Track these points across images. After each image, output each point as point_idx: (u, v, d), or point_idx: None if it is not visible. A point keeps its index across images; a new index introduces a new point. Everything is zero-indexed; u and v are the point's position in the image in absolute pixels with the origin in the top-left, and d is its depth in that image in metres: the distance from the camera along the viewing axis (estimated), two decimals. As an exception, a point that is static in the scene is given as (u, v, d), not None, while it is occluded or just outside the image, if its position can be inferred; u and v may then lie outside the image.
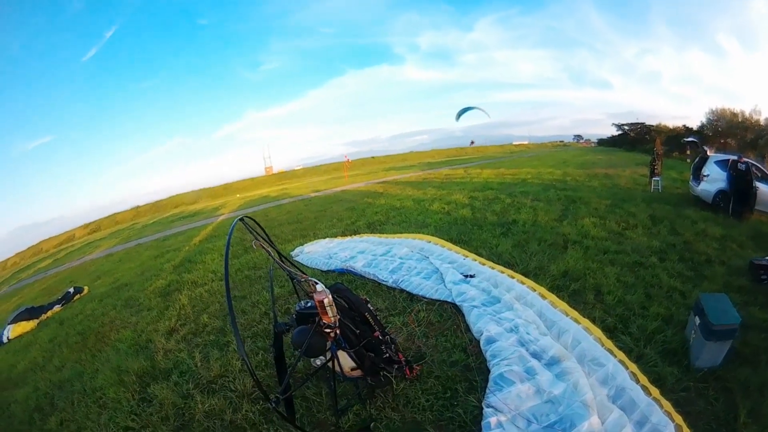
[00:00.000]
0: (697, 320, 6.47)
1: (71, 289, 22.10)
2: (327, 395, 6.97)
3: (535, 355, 6.62)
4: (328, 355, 5.95)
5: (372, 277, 11.17)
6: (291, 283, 7.97)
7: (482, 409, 5.74)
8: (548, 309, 7.87)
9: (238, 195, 67.15)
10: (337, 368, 6.04)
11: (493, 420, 5.38)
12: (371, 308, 6.58)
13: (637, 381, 5.81)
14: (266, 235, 6.14)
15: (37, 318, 19.90)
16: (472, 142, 78.00)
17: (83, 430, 8.78)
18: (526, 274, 9.80)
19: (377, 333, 6.44)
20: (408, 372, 6.74)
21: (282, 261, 6.37)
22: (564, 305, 8.00)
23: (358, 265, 12.02)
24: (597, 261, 10.47)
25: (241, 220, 5.74)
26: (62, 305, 20.63)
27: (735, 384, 6.04)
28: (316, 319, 5.67)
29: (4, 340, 19.36)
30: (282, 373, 5.99)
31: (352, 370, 6.35)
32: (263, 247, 5.84)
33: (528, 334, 7.12)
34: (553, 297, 8.36)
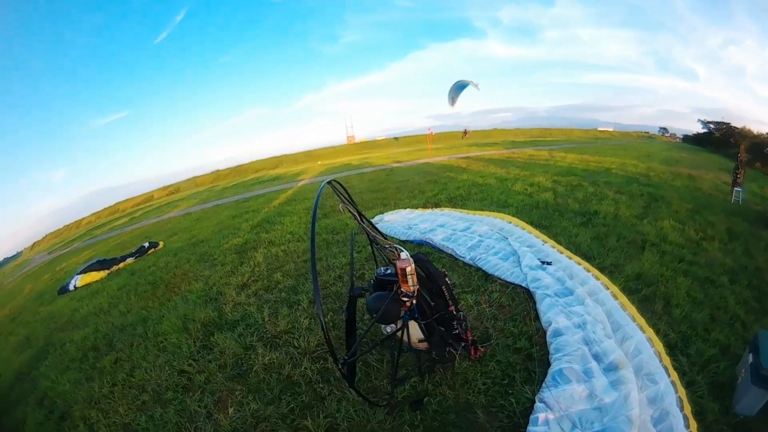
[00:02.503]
0: (750, 358, 5.87)
1: (146, 244, 23.06)
2: (388, 363, 6.92)
3: (596, 357, 6.34)
4: (400, 323, 5.86)
5: (450, 252, 11.04)
6: (371, 249, 7.92)
7: (534, 402, 5.59)
8: (618, 311, 7.49)
9: (319, 162, 68.01)
10: (405, 338, 5.94)
11: (541, 416, 5.29)
12: (448, 282, 6.39)
13: (682, 408, 5.46)
14: (351, 200, 6.02)
15: (108, 269, 20.77)
16: (465, 132, 75.61)
17: (137, 369, 9.18)
18: (601, 270, 9.38)
19: (452, 308, 6.26)
20: (473, 352, 6.54)
21: (367, 226, 6.28)
22: (633, 310, 7.59)
23: (437, 238, 11.93)
24: (671, 269, 9.86)
25: (329, 183, 5.64)
26: (135, 258, 21.50)
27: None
28: (395, 286, 5.59)
29: (71, 288, 20.21)
30: (351, 335, 6.01)
31: (420, 341, 6.22)
32: (350, 211, 5.79)
33: (594, 333, 6.81)
34: (624, 299, 7.93)
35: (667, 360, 6.27)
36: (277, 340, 8.54)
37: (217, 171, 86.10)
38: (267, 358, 7.91)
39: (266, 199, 30.09)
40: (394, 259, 5.59)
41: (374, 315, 5.58)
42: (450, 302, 6.25)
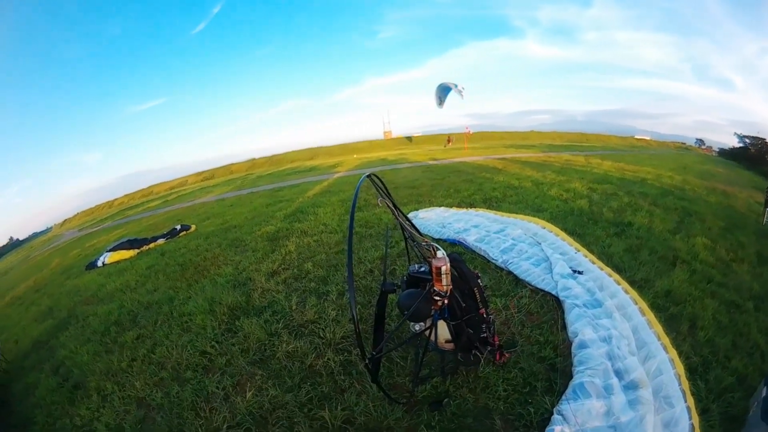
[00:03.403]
0: (764, 392, 5.58)
1: (178, 226, 23.47)
2: (411, 361, 6.90)
3: (618, 374, 6.21)
4: (429, 322, 5.80)
5: (482, 253, 10.96)
6: (405, 245, 7.90)
7: (552, 414, 5.51)
8: (644, 328, 7.32)
9: (355, 155, 68.10)
10: (432, 337, 5.90)
11: (557, 429, 5.18)
12: (481, 284, 6.28)
13: (694, 436, 5.35)
14: (389, 194, 6.00)
15: (138, 248, 21.21)
16: (449, 140, 74.16)
17: (158, 347, 9.33)
18: (631, 283, 9.14)
19: (482, 310, 6.15)
20: (498, 357, 6.47)
21: (405, 222, 6.25)
22: (659, 328, 7.38)
23: (471, 239, 11.84)
24: (700, 289, 9.61)
25: (369, 176, 5.61)
26: (166, 239, 21.86)
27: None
28: (428, 285, 5.53)
29: (99, 264, 20.69)
30: (379, 330, 5.95)
31: (446, 342, 6.16)
32: (387, 206, 5.76)
33: (618, 348, 6.65)
34: (651, 316, 7.73)
35: (686, 384, 6.11)
36: (303, 329, 8.57)
37: (253, 159, 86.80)
38: (291, 346, 7.94)
39: (301, 190, 30.27)
40: (429, 257, 5.52)
41: (405, 312, 5.56)
42: (481, 305, 6.15)
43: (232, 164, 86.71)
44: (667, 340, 7.01)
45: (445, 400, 6.03)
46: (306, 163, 68.33)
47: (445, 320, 5.96)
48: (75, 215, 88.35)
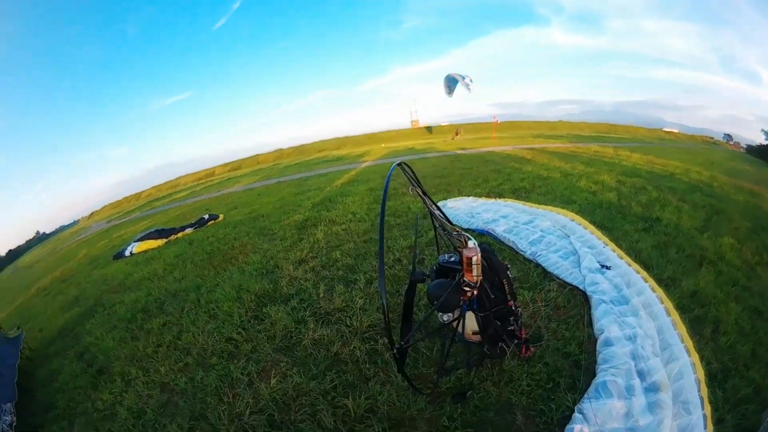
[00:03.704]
0: None
1: (206, 216, 23.72)
2: (437, 351, 6.84)
3: (641, 374, 6.14)
4: (457, 313, 5.77)
5: (511, 244, 10.92)
6: (434, 235, 7.78)
7: (573, 411, 5.46)
8: (669, 328, 7.23)
9: (383, 144, 67.55)
10: (459, 328, 5.87)
11: (577, 428, 5.16)
12: (510, 276, 6.22)
13: (707, 446, 5.24)
14: (419, 182, 5.91)
15: (166, 238, 21.52)
16: (457, 132, 72.79)
17: (184, 333, 9.45)
18: (658, 281, 9.00)
19: (511, 303, 6.10)
20: (523, 350, 6.40)
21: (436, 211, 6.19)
22: (683, 330, 7.26)
23: (499, 230, 11.79)
24: (725, 292, 9.38)
25: (400, 165, 5.55)
26: (194, 228, 22.12)
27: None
28: (458, 275, 5.49)
29: (127, 254, 21.11)
30: (407, 320, 5.94)
31: (473, 333, 6.13)
32: (419, 194, 5.71)
33: (642, 348, 6.58)
34: (677, 316, 7.61)
35: (705, 391, 6.03)
36: (330, 317, 8.59)
37: (280, 150, 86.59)
38: (317, 334, 7.97)
39: (329, 179, 30.27)
40: (460, 247, 5.46)
41: (435, 302, 5.53)
42: (509, 297, 6.09)
43: (259, 155, 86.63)
44: (690, 343, 6.92)
45: (469, 392, 6.00)
46: (334, 152, 68.14)
47: (473, 311, 5.92)
48: (102, 208, 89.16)
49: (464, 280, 5.36)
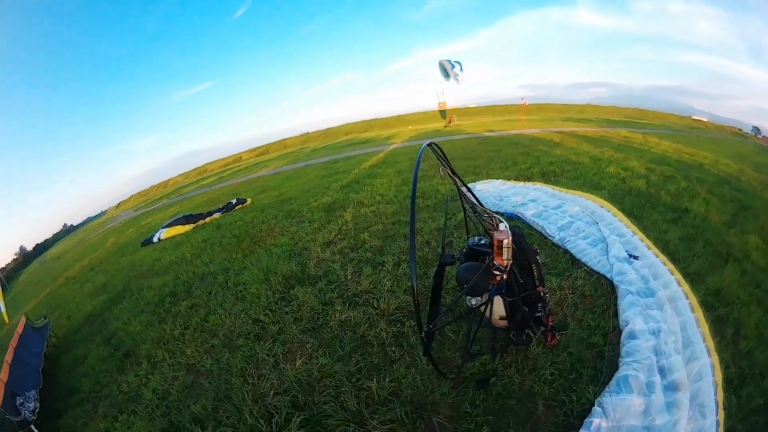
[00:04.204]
0: None
1: (234, 200, 23.97)
2: (463, 336, 6.81)
3: (661, 371, 6.07)
4: (485, 297, 5.70)
5: (539, 229, 10.88)
6: (464, 217, 7.65)
7: (593, 405, 5.41)
8: (692, 325, 7.10)
9: (410, 127, 66.93)
10: (486, 313, 5.80)
11: (595, 422, 5.18)
12: (539, 261, 6.12)
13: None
14: (449, 163, 5.73)
15: (194, 223, 21.81)
16: (450, 120, 70.93)
17: (211, 315, 9.59)
18: (684, 276, 8.76)
19: (540, 288, 6.01)
20: (549, 339, 6.35)
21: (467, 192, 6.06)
22: (706, 328, 7.10)
23: (528, 213, 11.74)
24: (748, 293, 9.06)
25: (430, 145, 5.44)
26: (222, 213, 22.41)
27: None
28: (488, 258, 5.42)
29: (155, 240, 21.52)
30: (435, 303, 5.86)
31: (501, 319, 6.06)
32: (450, 175, 5.61)
33: (665, 344, 6.49)
34: (700, 314, 7.45)
35: (721, 395, 5.91)
36: (357, 298, 8.62)
37: (307, 133, 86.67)
38: (344, 316, 8.01)
39: (356, 161, 30.33)
40: (490, 230, 5.41)
41: (464, 285, 5.45)
42: (538, 282, 6.01)
43: (286, 139, 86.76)
44: (711, 344, 6.80)
45: (492, 379, 5.99)
46: (361, 135, 67.85)
47: (501, 296, 5.86)
48: (130, 197, 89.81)
49: (494, 264, 5.28)
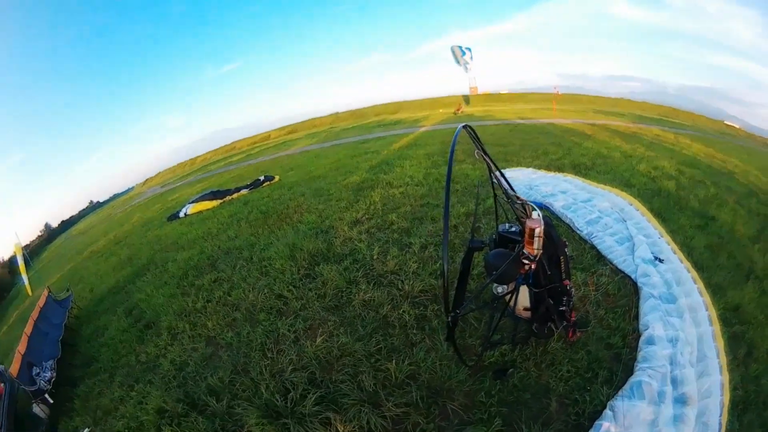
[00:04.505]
0: None
1: (262, 177, 24.15)
2: (485, 323, 6.84)
3: (674, 382, 6.01)
4: (512, 286, 5.68)
5: (568, 221, 10.79)
6: (494, 203, 7.36)
7: (605, 408, 5.40)
8: (708, 339, 7.01)
9: (441, 110, 65.98)
10: (511, 303, 5.79)
11: (605, 425, 5.19)
12: (568, 253, 5.98)
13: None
14: (483, 147, 5.71)
15: (221, 199, 22.04)
16: (459, 108, 69.51)
17: (234, 289, 9.74)
18: (706, 286, 8.56)
19: (567, 282, 5.89)
20: (570, 334, 6.33)
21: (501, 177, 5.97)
22: (721, 344, 6.99)
23: (558, 205, 11.66)
24: (765, 314, 8.68)
25: (465, 127, 5.35)
26: (250, 190, 22.49)
27: None
28: (518, 246, 5.36)
29: (181, 215, 21.86)
30: (461, 288, 5.67)
31: (524, 309, 6.03)
32: (484, 159, 5.57)
33: (681, 355, 6.44)
34: (718, 328, 7.33)
35: (725, 417, 5.86)
36: (382, 279, 8.66)
37: (336, 113, 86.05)
38: (368, 295, 8.06)
39: (386, 142, 30.21)
40: (522, 217, 5.38)
41: (492, 272, 5.40)
42: (564, 275, 5.89)
43: (315, 118, 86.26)
44: (724, 361, 6.71)
45: (510, 370, 6.00)
46: (391, 116, 66.97)
47: (528, 286, 5.81)
48: (157, 174, 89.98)
49: (524, 252, 5.23)
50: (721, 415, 5.79)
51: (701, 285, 8.45)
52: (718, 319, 7.59)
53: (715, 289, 8.72)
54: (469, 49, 50.83)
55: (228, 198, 22.01)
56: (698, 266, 9.32)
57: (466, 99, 75.99)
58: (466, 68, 46.41)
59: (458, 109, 61.80)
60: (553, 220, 10.29)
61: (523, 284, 5.77)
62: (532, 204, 5.32)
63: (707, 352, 6.77)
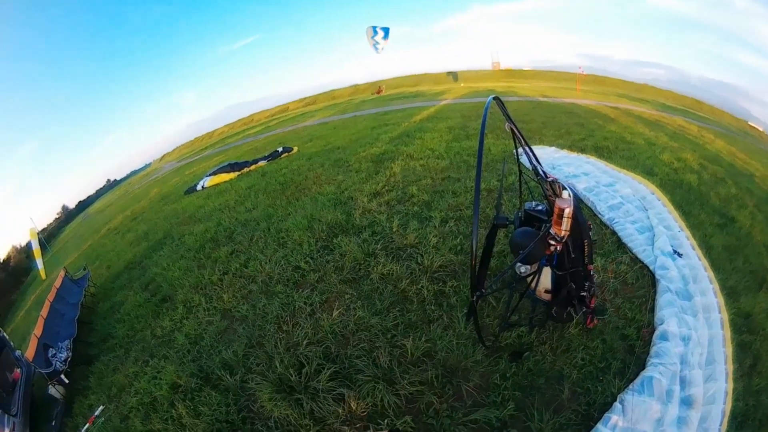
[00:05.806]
0: None
1: (280, 149, 24.16)
2: (503, 303, 6.74)
3: (682, 382, 5.98)
4: (535, 267, 5.58)
5: (590, 204, 10.68)
6: (519, 179, 7.50)
7: (615, 400, 5.39)
8: (719, 343, 6.93)
9: (462, 84, 65.23)
10: (533, 284, 5.71)
11: (613, 418, 5.21)
12: (592, 237, 5.79)
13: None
14: (512, 121, 5.56)
15: (239, 171, 22.09)
16: (379, 89, 69.73)
17: (251, 261, 9.76)
18: (721, 287, 8.40)
19: (590, 267, 5.76)
20: (589, 321, 6.23)
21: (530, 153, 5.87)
22: (730, 351, 6.90)
23: (580, 187, 11.52)
24: None
25: (496, 99, 5.28)
26: (268, 161, 22.56)
27: None
28: (544, 226, 5.26)
29: (199, 188, 22.00)
30: (483, 266, 5.45)
31: (545, 292, 5.95)
32: (514, 133, 5.48)
33: (692, 356, 6.38)
34: (728, 333, 7.26)
35: (725, 427, 5.78)
36: (401, 252, 8.61)
37: (356, 85, 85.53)
38: (386, 269, 8.00)
39: (406, 114, 29.78)
40: (551, 196, 5.24)
41: (518, 251, 5.34)
42: (587, 260, 5.73)
43: (335, 90, 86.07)
44: (731, 368, 6.64)
45: (526, 353, 5.97)
46: (411, 89, 65.26)
47: (552, 268, 5.72)
48: (174, 149, 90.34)
49: (551, 233, 5.07)
50: (721, 424, 5.78)
51: (716, 286, 8.36)
52: (730, 324, 7.53)
53: (729, 293, 8.58)
54: (386, 29, 50.57)
55: (246, 170, 22.07)
56: (715, 266, 9.17)
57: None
58: (376, 48, 46.35)
59: (378, 91, 61.92)
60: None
61: (547, 266, 5.68)
62: (562, 182, 5.15)
63: (716, 356, 6.74)
